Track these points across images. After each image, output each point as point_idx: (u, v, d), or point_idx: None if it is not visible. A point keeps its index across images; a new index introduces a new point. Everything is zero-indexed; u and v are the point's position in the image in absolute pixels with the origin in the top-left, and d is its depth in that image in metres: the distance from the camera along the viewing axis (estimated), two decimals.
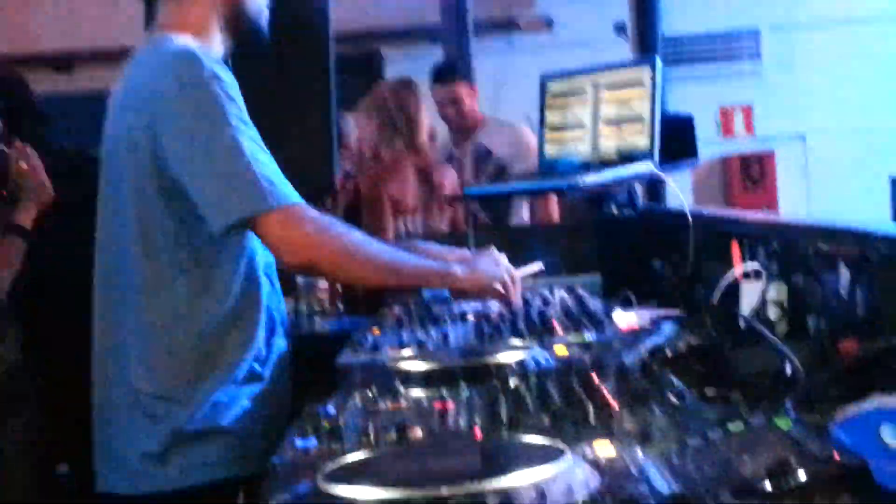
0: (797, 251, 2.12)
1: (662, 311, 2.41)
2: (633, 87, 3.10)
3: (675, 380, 1.53)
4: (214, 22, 2.31)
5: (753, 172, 8.07)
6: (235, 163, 2.09)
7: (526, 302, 2.46)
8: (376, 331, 2.31)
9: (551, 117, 3.28)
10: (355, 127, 4.94)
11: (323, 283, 3.56)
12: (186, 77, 2.14)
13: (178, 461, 2.14)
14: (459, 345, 1.99)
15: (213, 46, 2.31)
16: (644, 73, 3.09)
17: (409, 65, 7.73)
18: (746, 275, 2.28)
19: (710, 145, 8.07)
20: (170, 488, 2.15)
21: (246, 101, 2.22)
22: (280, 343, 2.32)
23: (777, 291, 2.14)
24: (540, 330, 2.05)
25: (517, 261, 3.68)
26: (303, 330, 3.42)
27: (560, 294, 2.58)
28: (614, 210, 3.14)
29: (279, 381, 2.31)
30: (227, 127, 2.11)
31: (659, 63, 3.07)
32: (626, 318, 2.35)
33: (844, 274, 1.88)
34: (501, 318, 2.24)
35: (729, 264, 2.55)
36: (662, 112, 3.07)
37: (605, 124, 3.15)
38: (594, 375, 1.53)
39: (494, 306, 2.45)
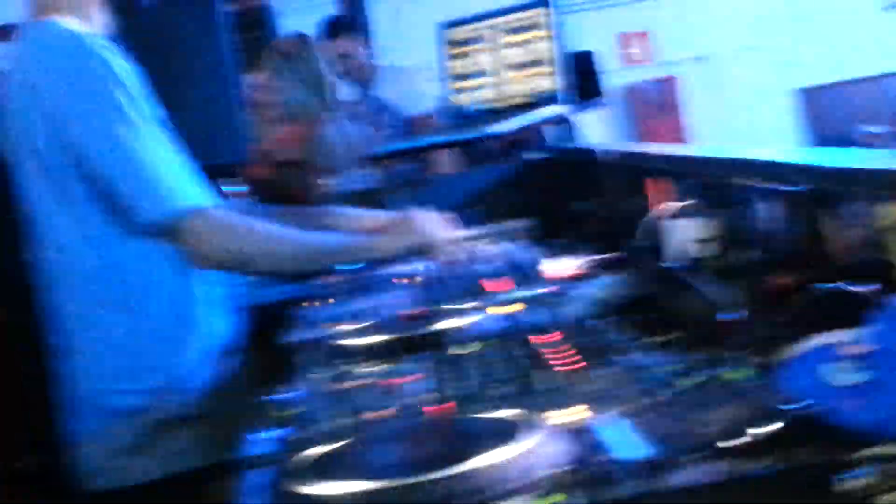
0: (715, 186, 2.08)
1: (590, 258, 2.35)
2: (532, 29, 3.03)
3: (619, 333, 1.47)
4: None
5: (659, 99, 8.05)
6: (135, 165, 1.99)
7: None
8: (316, 303, 2.23)
9: (453, 66, 3.20)
10: (256, 87, 4.82)
11: None
12: (75, 71, 2.01)
13: (148, 452, 2.07)
14: (400, 314, 1.92)
15: (96, 25, 2.17)
16: (540, 14, 3.02)
17: (302, 18, 7.57)
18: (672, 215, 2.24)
19: (611, 75, 8.05)
20: (143, 479, 2.08)
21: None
22: (219, 324, 2.24)
23: (703, 228, 2.09)
24: (477, 290, 1.99)
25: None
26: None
27: (488, 249, 2.51)
28: (525, 156, 3.07)
29: (237, 356, 2.24)
30: (122, 124, 2.00)
31: (551, 2, 3.00)
32: (555, 267, 2.29)
33: (765, 207, 1.84)
34: (434, 281, 2.17)
35: (644, 199, 2.52)
36: (564, 52, 3.01)
37: (508, 69, 3.08)
38: (544, 337, 1.46)
39: (421, 267, 2.38)
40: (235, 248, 2.08)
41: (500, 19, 3.09)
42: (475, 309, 1.82)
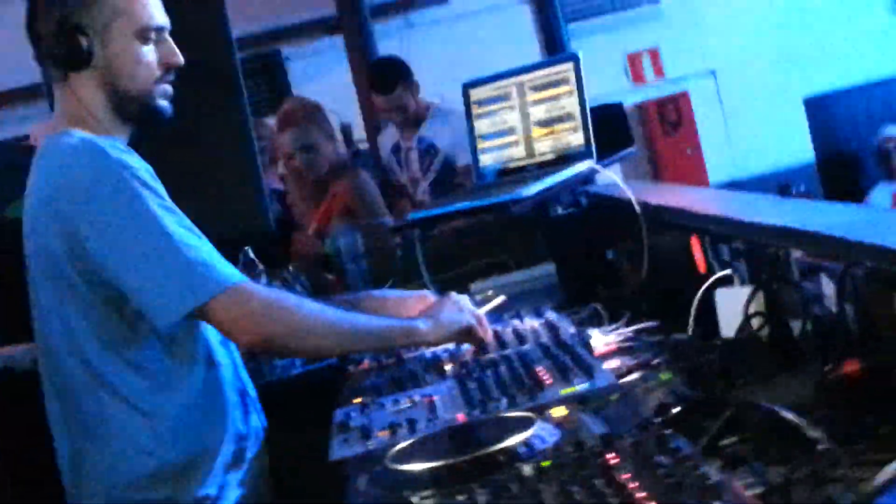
0: (768, 256, 2.05)
1: (636, 327, 2.33)
2: (558, 85, 3.01)
3: (688, 446, 1.44)
4: (103, 107, 2.17)
5: (670, 115, 8.05)
6: (166, 254, 1.99)
7: (500, 339, 2.39)
8: (357, 400, 2.21)
9: (480, 126, 3.18)
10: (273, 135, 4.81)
11: None
12: (94, 173, 2.02)
13: None
14: (451, 418, 1.89)
15: (114, 134, 2.18)
16: (567, 69, 3.00)
17: (312, 60, 7.60)
18: (718, 280, 2.22)
19: (622, 94, 8.05)
20: None
21: (162, 160, 2.16)
22: (255, 420, 2.24)
23: (754, 300, 2.06)
24: (528, 384, 1.96)
25: (465, 261, 3.61)
26: (265, 377, 3.31)
27: (531, 324, 2.48)
28: (559, 210, 3.03)
29: (261, 457, 2.24)
30: (147, 217, 2.00)
31: (581, 56, 2.99)
32: (603, 341, 2.28)
33: (827, 284, 1.82)
34: (482, 369, 2.15)
35: (688, 257, 2.50)
36: (591, 105, 3.00)
37: (536, 126, 3.06)
38: (609, 458, 1.44)
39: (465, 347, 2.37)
40: (284, 319, 2.06)
41: (526, 77, 3.07)
42: (531, 404, 1.79)
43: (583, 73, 2.97)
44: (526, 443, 1.60)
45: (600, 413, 1.75)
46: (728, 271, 2.20)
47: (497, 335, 2.42)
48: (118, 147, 2.10)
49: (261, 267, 3.53)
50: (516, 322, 2.54)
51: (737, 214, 2.26)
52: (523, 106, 3.08)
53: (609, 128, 3.04)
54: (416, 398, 2.08)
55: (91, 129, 2.13)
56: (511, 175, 3.10)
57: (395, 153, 5.04)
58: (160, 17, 2.19)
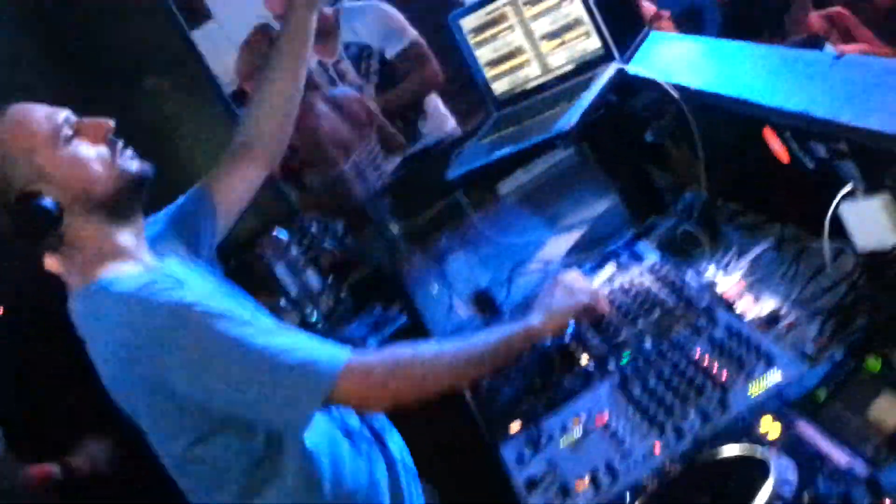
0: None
1: (753, 254, 2.23)
2: None
3: None
4: (102, 225, 2.03)
5: None
6: (267, 371, 1.92)
7: (618, 307, 2.29)
8: (514, 427, 2.13)
9: (483, 54, 3.00)
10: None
11: None
12: (160, 328, 1.90)
13: None
14: (647, 449, 1.80)
15: (143, 253, 2.07)
16: None
17: None
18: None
19: None
20: None
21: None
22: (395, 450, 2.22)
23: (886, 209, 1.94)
24: (702, 383, 1.87)
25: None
26: None
27: (641, 279, 2.38)
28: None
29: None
30: (231, 345, 1.91)
31: None
32: (729, 282, 2.20)
33: None
34: (632, 362, 2.05)
35: (762, 155, 2.37)
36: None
37: (544, 40, 2.89)
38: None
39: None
40: (408, 375, 2.02)
41: None
42: (746, 443, 1.66)
43: None
44: (777, 495, 1.52)
45: (818, 419, 1.66)
46: (850, 186, 2.05)
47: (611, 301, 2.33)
48: (165, 285, 1.96)
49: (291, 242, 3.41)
50: (621, 276, 2.44)
51: (831, 113, 2.10)
52: (524, 23, 2.90)
53: (615, 15, 2.87)
54: (582, 417, 2.01)
55: (109, 259, 2.01)
56: (531, 96, 2.94)
57: (323, 72, 4.75)
58: (56, 113, 2.03)
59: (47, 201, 1.95)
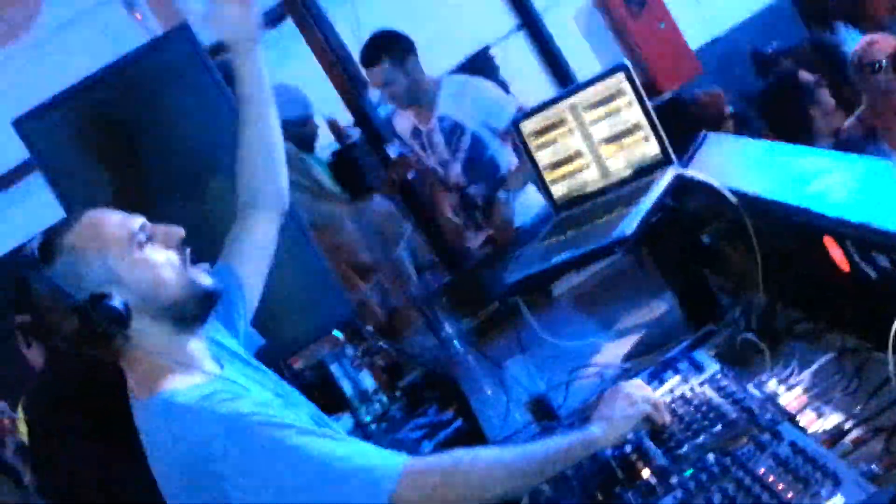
0: None
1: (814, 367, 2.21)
2: (614, 99, 2.86)
3: None
4: (168, 336, 2.07)
5: None
6: (325, 480, 1.92)
7: (677, 415, 2.26)
8: None
9: (542, 157, 3.02)
10: None
11: None
12: (217, 441, 1.92)
13: None
14: None
15: (202, 361, 2.09)
16: (619, 81, 2.84)
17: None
18: None
19: None
20: None
21: None
22: None
23: None
24: None
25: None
26: None
27: (699, 389, 2.35)
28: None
29: None
30: (288, 455, 1.92)
31: (629, 64, 2.82)
32: (791, 396, 2.17)
33: None
34: (693, 479, 2.02)
35: (823, 262, 2.35)
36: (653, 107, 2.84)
37: (603, 144, 2.91)
38: None
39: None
40: (467, 479, 2.01)
41: (577, 98, 2.91)
42: None
43: (637, 81, 2.81)
44: None
45: None
46: None
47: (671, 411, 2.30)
48: (224, 396, 1.99)
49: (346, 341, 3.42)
50: (681, 386, 2.41)
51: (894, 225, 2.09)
52: (583, 127, 2.92)
53: (671, 121, 2.89)
54: None
55: (171, 370, 2.04)
56: (589, 200, 2.95)
57: (415, 137, 4.85)
58: (132, 220, 2.09)
59: (118, 301, 1.99)
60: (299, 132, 5.01)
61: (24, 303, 2.04)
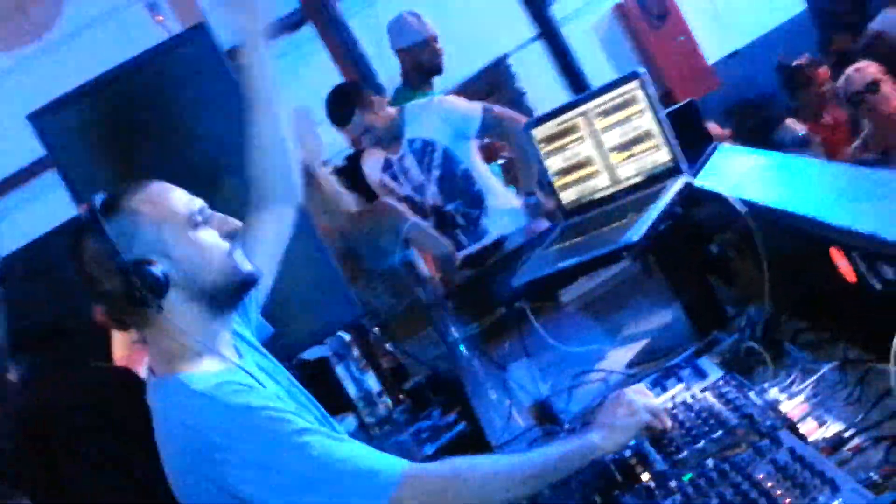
0: None
1: (816, 376, 2.21)
2: (627, 106, 2.86)
3: None
4: (199, 320, 2.10)
5: (653, 8, 7.77)
6: (326, 480, 1.94)
7: (678, 421, 2.25)
8: None
9: (553, 163, 3.03)
10: None
11: None
12: (225, 430, 1.95)
13: None
14: None
15: (225, 350, 2.12)
16: (633, 88, 2.84)
17: (283, 63, 7.29)
18: None
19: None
20: None
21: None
22: None
23: None
24: None
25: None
26: None
27: (701, 395, 2.35)
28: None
29: None
30: (292, 452, 1.95)
31: (643, 72, 2.83)
32: (791, 404, 2.17)
33: None
34: (691, 483, 2.02)
35: (829, 273, 2.35)
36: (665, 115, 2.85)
37: (614, 152, 2.92)
38: None
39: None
40: (465, 485, 2.02)
41: (590, 105, 2.92)
42: None
43: (651, 88, 2.82)
44: None
45: None
46: None
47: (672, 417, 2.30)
48: (238, 388, 2.02)
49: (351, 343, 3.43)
50: (684, 392, 2.41)
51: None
52: (594, 135, 2.93)
53: (682, 129, 2.89)
54: None
55: (192, 352, 2.08)
56: (598, 206, 2.96)
57: (386, 171, 4.85)
58: (194, 200, 2.15)
59: (159, 270, 2.04)
60: (418, 58, 5.13)
61: (75, 252, 2.08)
